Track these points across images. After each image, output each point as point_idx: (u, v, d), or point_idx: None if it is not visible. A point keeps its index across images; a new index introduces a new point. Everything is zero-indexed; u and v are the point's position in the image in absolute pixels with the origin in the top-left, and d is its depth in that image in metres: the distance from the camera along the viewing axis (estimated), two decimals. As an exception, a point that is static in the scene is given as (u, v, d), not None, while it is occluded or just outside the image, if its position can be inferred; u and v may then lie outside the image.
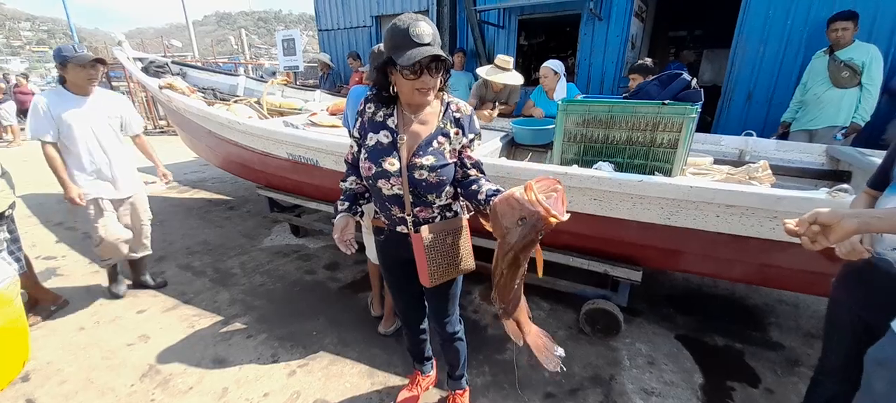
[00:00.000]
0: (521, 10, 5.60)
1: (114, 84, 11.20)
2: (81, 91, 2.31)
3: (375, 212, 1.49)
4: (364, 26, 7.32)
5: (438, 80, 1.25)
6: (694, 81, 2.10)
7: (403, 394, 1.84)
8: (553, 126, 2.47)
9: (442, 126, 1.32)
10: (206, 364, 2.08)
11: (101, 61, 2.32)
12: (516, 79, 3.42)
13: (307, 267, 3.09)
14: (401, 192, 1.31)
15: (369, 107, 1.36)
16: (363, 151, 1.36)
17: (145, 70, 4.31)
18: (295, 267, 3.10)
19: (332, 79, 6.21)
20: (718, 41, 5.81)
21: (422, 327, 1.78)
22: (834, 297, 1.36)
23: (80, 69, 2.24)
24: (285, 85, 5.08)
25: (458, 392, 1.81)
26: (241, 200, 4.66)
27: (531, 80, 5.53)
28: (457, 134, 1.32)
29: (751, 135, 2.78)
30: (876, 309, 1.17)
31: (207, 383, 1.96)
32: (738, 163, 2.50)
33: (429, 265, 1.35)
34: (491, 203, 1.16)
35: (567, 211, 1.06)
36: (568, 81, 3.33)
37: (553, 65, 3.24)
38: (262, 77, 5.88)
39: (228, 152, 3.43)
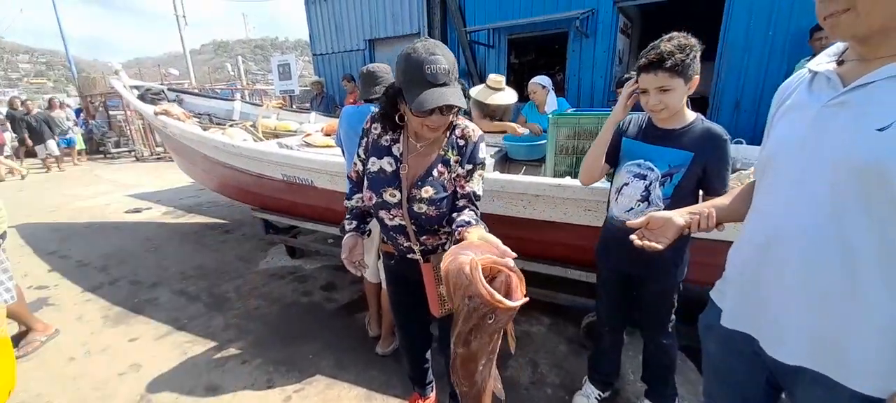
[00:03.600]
0: (511, 30, 5.74)
1: (111, 112, 11.29)
2: None
3: (383, 239, 1.45)
4: (358, 50, 7.47)
5: (451, 118, 1.18)
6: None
7: None
8: (545, 141, 2.49)
9: (443, 153, 1.25)
10: (199, 391, 2.03)
11: None
12: (510, 98, 3.44)
13: (303, 289, 3.05)
14: (404, 223, 1.27)
15: (375, 128, 1.29)
16: (366, 176, 1.31)
17: (142, 97, 4.35)
18: (291, 289, 3.07)
19: (326, 103, 6.28)
20: (703, 54, 5.95)
21: (426, 356, 1.73)
22: (598, 261, 1.71)
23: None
24: (281, 108, 5.13)
25: None
26: (237, 224, 4.64)
27: (523, 96, 5.62)
28: (457, 161, 1.25)
29: (740, 142, 2.82)
30: (624, 261, 1.55)
31: (200, 411, 1.91)
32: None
33: (439, 295, 1.31)
34: (441, 266, 0.97)
35: (525, 295, 0.92)
36: (558, 96, 3.38)
37: (540, 80, 3.30)
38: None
39: (223, 175, 3.43)
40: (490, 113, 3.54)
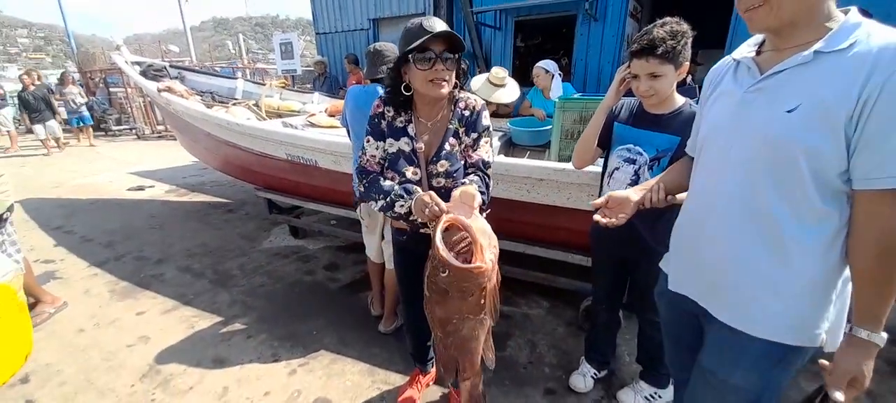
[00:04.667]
0: (518, 12, 5.65)
1: (111, 89, 11.21)
2: None
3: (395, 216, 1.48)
4: (362, 29, 7.36)
5: (452, 76, 1.25)
6: (689, 78, 2.13)
7: (404, 392, 1.85)
8: (550, 126, 2.48)
9: (451, 126, 1.32)
10: (206, 364, 2.08)
11: None
12: (512, 94, 3.37)
13: (307, 268, 3.09)
14: None
15: (389, 111, 1.34)
16: (387, 158, 1.34)
17: (144, 74, 4.32)
18: (294, 267, 3.10)
19: (329, 83, 6.22)
20: (713, 42, 5.87)
21: (426, 328, 1.77)
22: (593, 243, 1.74)
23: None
24: (284, 88, 5.09)
25: None
26: (240, 203, 4.66)
27: (528, 81, 5.58)
28: (463, 131, 1.32)
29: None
30: (620, 244, 1.56)
31: (208, 382, 1.96)
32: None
33: None
34: None
35: (491, 260, 1.04)
36: (564, 81, 3.35)
37: (544, 64, 3.27)
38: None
39: (227, 154, 3.44)
40: (492, 111, 3.49)
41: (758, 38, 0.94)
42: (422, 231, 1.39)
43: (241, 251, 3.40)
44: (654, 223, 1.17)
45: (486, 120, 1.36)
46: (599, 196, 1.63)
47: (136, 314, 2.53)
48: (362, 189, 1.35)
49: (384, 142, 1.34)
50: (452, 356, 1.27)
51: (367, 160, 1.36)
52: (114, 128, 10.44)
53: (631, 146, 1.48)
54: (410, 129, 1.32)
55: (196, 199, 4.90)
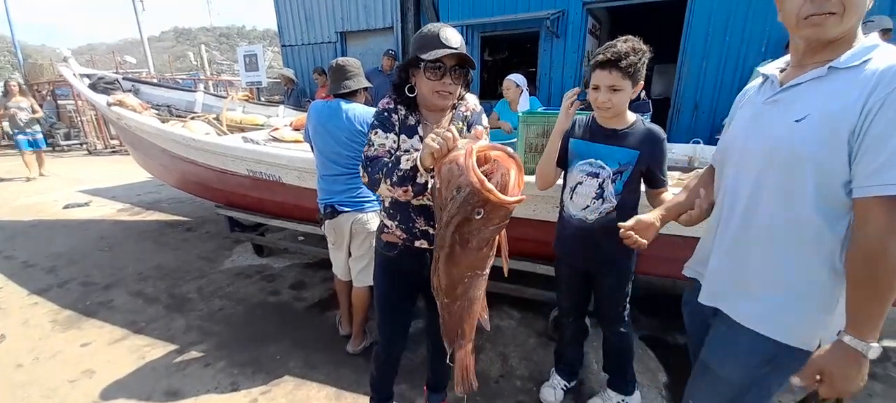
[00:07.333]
0: (483, 27, 5.77)
1: (60, 102, 10.52)
2: None
3: (385, 227, 1.40)
4: (329, 42, 7.29)
5: (459, 89, 1.27)
6: (642, 93, 2.23)
7: None
8: (516, 139, 2.53)
9: (454, 127, 1.31)
10: (157, 396, 1.94)
11: None
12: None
13: (271, 288, 2.97)
14: (430, 203, 1.27)
15: (401, 110, 1.31)
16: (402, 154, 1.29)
17: (93, 87, 4.08)
18: (258, 288, 2.98)
19: (296, 95, 6.11)
20: (667, 57, 6.22)
21: (399, 358, 1.64)
22: (556, 256, 1.78)
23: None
24: (247, 100, 4.94)
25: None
26: (200, 221, 4.45)
27: (496, 95, 5.68)
28: (466, 130, 1.34)
29: (698, 142, 2.96)
30: (580, 256, 1.64)
31: (160, 417, 1.83)
32: (687, 169, 2.65)
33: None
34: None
35: (520, 197, 0.88)
36: (531, 95, 3.43)
37: (515, 78, 3.33)
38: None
39: (184, 171, 3.28)
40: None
41: (784, 60, 0.99)
42: (417, 243, 1.34)
43: (200, 272, 3.23)
44: (615, 233, 1.19)
45: (485, 120, 1.39)
46: (562, 210, 1.67)
47: (80, 345, 2.34)
48: (366, 177, 1.26)
49: (397, 136, 1.30)
50: (457, 324, 1.13)
51: (375, 151, 1.28)
52: (62, 142, 9.77)
53: (592, 160, 1.51)
54: (420, 129, 1.31)
55: (151, 218, 4.64)
